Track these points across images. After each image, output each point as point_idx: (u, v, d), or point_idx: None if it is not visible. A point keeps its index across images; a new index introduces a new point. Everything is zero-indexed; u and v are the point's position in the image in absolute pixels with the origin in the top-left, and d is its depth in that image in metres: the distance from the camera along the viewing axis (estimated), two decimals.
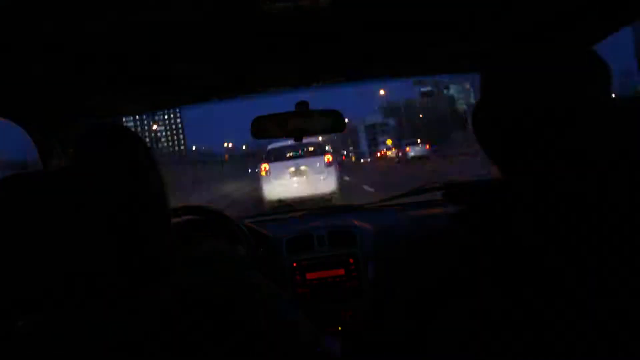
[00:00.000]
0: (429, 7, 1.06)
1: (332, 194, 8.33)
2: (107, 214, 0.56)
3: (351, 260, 1.65)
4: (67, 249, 0.53)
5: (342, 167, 15.38)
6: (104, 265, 0.55)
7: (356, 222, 1.81)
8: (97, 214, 0.56)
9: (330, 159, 8.72)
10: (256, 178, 9.94)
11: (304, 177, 8.44)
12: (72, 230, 0.54)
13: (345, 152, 75.95)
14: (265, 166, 8.61)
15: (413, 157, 30.46)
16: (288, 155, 9.08)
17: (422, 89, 46.77)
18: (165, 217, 0.67)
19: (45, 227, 0.53)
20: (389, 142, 55.10)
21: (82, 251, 0.54)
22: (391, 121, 70.12)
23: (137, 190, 0.62)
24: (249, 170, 27.24)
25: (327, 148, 10.43)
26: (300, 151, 9.26)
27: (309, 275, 1.65)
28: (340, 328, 1.62)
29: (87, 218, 0.55)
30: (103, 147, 0.70)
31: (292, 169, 8.52)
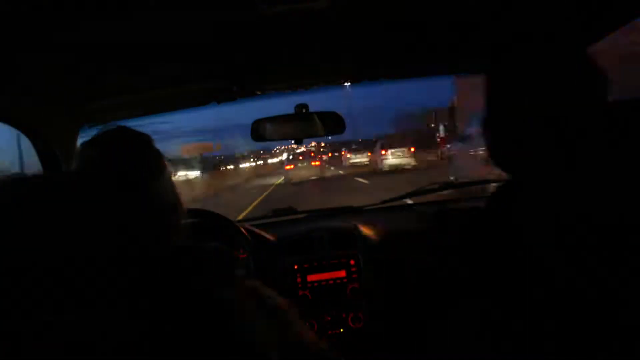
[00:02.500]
0: (430, 8, 1.06)
1: None
2: (112, 215, 0.56)
3: (352, 262, 1.65)
4: (69, 250, 0.53)
5: None
6: (105, 266, 0.55)
7: (356, 224, 1.81)
8: (102, 215, 0.56)
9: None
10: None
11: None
12: (76, 230, 0.54)
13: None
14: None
15: None
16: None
17: None
18: (173, 216, 0.69)
19: (50, 229, 0.53)
20: None
21: (84, 253, 0.54)
22: None
23: (144, 192, 0.63)
24: None
25: None
26: None
27: (309, 278, 1.64)
28: (342, 330, 1.62)
29: (91, 219, 0.55)
30: (113, 151, 0.72)
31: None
